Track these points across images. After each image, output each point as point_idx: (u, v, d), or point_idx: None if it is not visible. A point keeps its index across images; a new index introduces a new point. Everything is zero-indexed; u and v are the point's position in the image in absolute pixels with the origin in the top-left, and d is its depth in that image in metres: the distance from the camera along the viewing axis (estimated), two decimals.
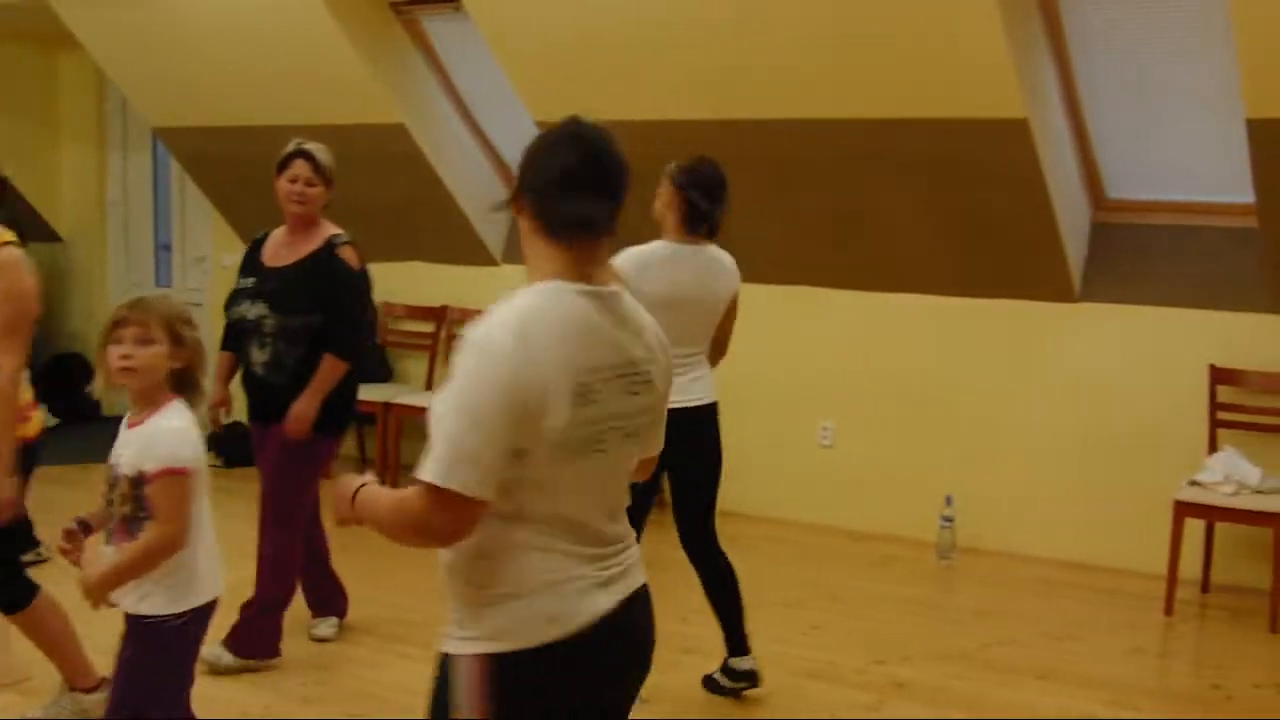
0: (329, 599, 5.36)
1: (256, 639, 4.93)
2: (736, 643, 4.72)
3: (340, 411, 4.99)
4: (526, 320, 2.24)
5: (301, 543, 5.05)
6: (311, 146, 4.96)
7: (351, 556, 5.48)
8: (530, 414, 2.20)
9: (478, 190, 7.98)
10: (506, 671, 2.27)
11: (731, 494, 6.08)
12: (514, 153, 8.94)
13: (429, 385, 8.15)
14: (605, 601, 2.34)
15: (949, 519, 6.60)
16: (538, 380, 2.20)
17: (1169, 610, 5.76)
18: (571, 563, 2.31)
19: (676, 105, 6.56)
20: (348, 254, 4.92)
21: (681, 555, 4.74)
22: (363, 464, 8.02)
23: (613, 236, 2.40)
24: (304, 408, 4.81)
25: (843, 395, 7.06)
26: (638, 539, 2.54)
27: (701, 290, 4.58)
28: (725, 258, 4.70)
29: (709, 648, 4.84)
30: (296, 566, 5.04)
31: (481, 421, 2.18)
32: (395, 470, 7.66)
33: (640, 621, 2.46)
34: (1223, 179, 6.11)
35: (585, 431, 2.27)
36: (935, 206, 6.43)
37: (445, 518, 2.21)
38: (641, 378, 2.39)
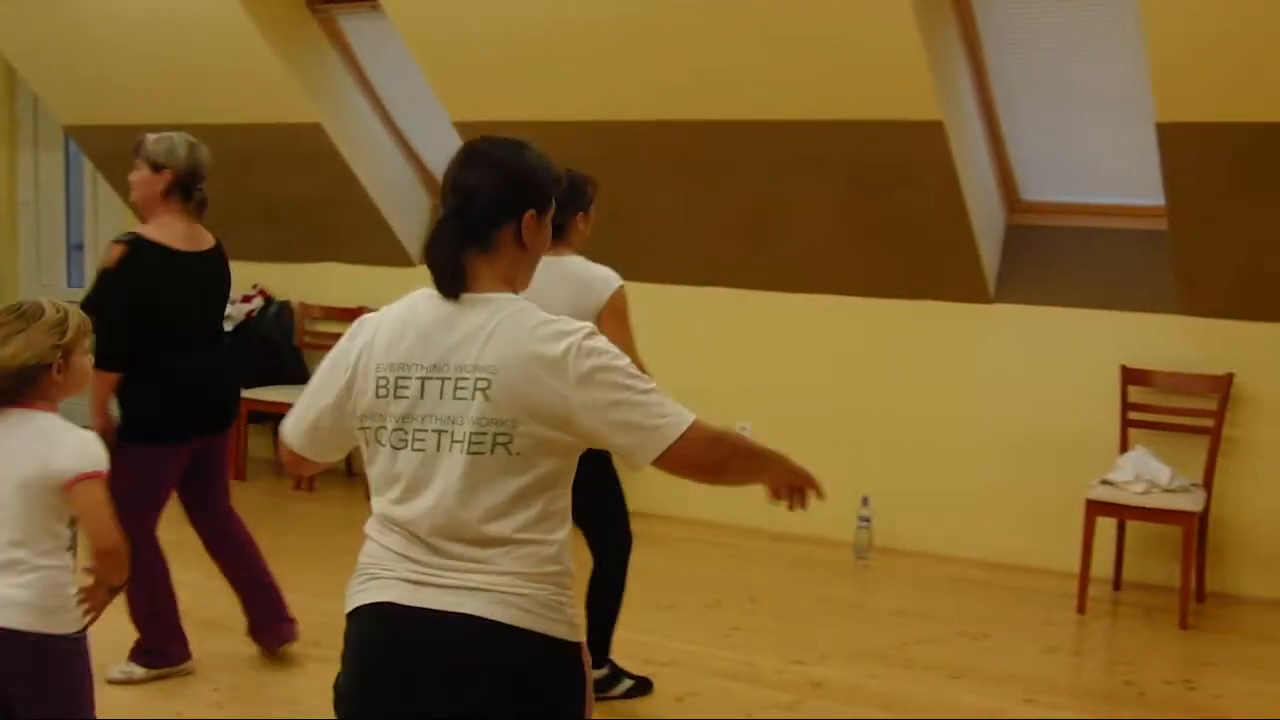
0: (273, 627, 5.05)
1: (158, 654, 4.78)
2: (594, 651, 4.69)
3: (137, 417, 4.60)
4: (377, 314, 2.54)
5: (143, 557, 4.58)
6: (149, 136, 4.70)
7: (272, 562, 5.23)
8: (347, 390, 2.47)
9: (395, 191, 7.93)
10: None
11: (650, 495, 6.09)
12: (432, 153, 8.87)
13: None
14: (391, 596, 2.40)
15: (866, 519, 6.64)
16: (353, 360, 2.47)
17: (1082, 608, 5.83)
18: (391, 558, 2.43)
19: (593, 107, 6.55)
20: (110, 251, 4.63)
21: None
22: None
23: (476, 248, 2.44)
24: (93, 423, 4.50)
25: (760, 396, 7.06)
26: None
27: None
28: (580, 270, 4.44)
29: (619, 649, 4.83)
30: (146, 582, 4.63)
31: (311, 387, 2.56)
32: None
33: (442, 642, 2.36)
34: (1134, 182, 6.19)
35: (400, 425, 2.41)
36: (850, 208, 6.46)
37: (283, 455, 2.65)
38: (474, 384, 2.35)
